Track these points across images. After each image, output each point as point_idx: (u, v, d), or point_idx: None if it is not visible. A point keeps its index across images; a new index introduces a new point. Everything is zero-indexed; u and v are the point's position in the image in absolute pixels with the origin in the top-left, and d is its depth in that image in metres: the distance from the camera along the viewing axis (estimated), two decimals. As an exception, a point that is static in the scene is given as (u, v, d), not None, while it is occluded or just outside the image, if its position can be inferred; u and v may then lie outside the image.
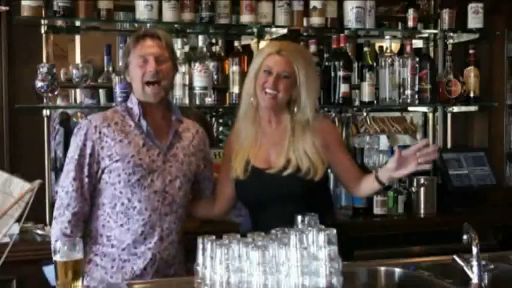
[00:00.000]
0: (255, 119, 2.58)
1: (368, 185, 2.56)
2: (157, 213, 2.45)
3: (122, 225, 2.44)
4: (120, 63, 3.29)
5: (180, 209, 2.52)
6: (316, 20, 3.57)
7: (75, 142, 2.46)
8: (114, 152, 2.42)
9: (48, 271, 2.44)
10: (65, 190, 2.43)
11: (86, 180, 2.43)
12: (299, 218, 1.99)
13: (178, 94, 3.31)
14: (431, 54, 4.01)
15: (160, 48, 2.48)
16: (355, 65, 3.72)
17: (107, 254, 2.45)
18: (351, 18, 3.62)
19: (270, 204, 2.52)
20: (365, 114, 4.12)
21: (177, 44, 3.37)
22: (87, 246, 2.45)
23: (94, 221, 2.48)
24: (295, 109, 2.55)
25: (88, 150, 2.43)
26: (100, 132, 2.44)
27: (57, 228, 2.41)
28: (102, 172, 2.44)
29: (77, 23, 3.39)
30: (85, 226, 2.47)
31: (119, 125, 2.47)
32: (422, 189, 3.68)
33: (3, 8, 3.14)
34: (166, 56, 2.50)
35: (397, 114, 4.36)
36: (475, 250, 2.01)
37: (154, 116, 2.52)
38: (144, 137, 2.47)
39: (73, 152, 2.45)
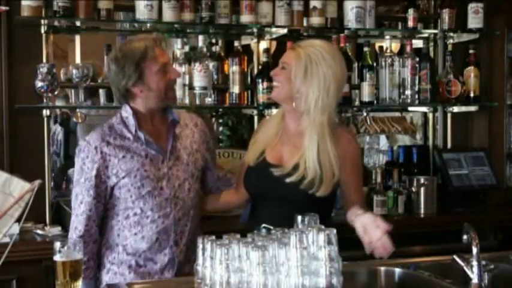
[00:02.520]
0: (282, 115, 2.58)
1: (348, 215, 2.47)
2: (170, 219, 2.46)
3: (135, 233, 2.45)
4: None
5: (191, 211, 2.53)
6: (316, 20, 3.57)
7: (79, 165, 2.45)
8: (119, 169, 2.42)
9: None
10: (75, 213, 2.45)
11: (93, 201, 2.43)
12: (299, 218, 1.99)
13: (179, 94, 3.30)
14: (431, 54, 4.00)
15: (166, 53, 2.53)
16: (355, 65, 3.72)
17: (124, 261, 2.47)
18: (351, 18, 3.62)
19: (268, 202, 2.51)
20: (365, 114, 4.11)
21: (177, 44, 3.37)
22: (104, 256, 2.49)
23: (109, 231, 2.49)
24: (298, 102, 2.45)
25: (93, 172, 2.42)
26: (102, 152, 2.43)
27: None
28: (112, 189, 2.45)
29: (77, 23, 3.39)
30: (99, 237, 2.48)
31: (118, 140, 2.45)
32: (422, 189, 3.69)
33: (3, 8, 3.14)
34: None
35: (397, 114, 4.36)
36: (475, 250, 2.01)
37: (153, 121, 2.52)
38: (145, 148, 2.46)
39: (78, 175, 2.45)
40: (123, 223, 2.46)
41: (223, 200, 2.72)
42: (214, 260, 1.78)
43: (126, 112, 2.49)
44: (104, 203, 2.46)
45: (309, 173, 2.40)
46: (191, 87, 3.35)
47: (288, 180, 2.43)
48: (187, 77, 3.34)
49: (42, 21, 3.23)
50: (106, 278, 2.47)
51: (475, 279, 1.99)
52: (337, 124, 2.63)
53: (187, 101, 3.35)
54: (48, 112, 3.26)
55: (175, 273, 2.46)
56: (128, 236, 2.46)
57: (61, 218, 3.27)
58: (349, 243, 2.29)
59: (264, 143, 2.56)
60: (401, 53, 3.92)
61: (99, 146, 2.42)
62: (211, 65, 3.45)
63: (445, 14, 3.84)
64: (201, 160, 2.58)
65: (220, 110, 3.82)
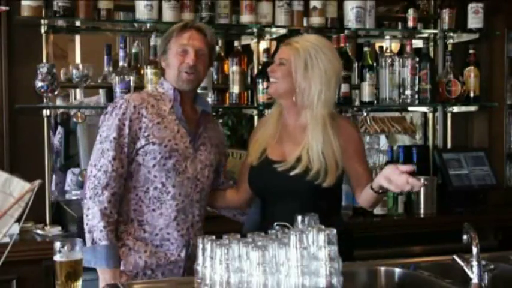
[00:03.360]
0: (281, 113, 2.59)
1: (365, 193, 2.47)
2: (189, 199, 2.48)
3: (154, 210, 2.45)
4: (121, 63, 3.30)
5: (206, 197, 2.57)
6: (316, 20, 3.57)
7: (112, 121, 2.43)
8: (151, 134, 2.43)
9: None
10: (102, 169, 2.39)
11: (125, 160, 2.42)
12: (299, 218, 1.99)
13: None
14: (431, 54, 4.00)
15: (203, 42, 2.52)
16: (355, 65, 3.73)
17: (139, 238, 2.45)
18: (351, 18, 3.62)
19: (276, 198, 2.51)
20: (365, 114, 4.11)
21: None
22: (117, 229, 2.45)
23: (124, 204, 2.46)
24: (299, 97, 2.48)
25: (127, 130, 2.42)
26: (139, 113, 2.44)
27: (97, 210, 2.37)
28: (136, 153, 2.44)
29: (77, 23, 3.39)
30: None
31: (155, 107, 2.48)
32: (422, 189, 3.68)
33: (3, 8, 3.14)
34: (205, 51, 2.53)
35: (397, 114, 4.36)
36: (475, 250, 2.01)
37: (185, 105, 2.54)
38: (178, 123, 2.49)
39: (110, 130, 2.42)
40: (141, 197, 2.45)
41: (224, 198, 2.73)
42: (214, 260, 1.78)
43: (164, 88, 2.54)
44: (127, 167, 2.44)
45: (313, 164, 2.43)
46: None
47: (292, 173, 2.45)
48: (187, 77, 3.33)
49: (42, 21, 3.23)
50: (119, 252, 2.42)
51: (475, 279, 1.99)
52: (337, 114, 2.65)
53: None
54: (48, 112, 3.26)
55: (189, 256, 2.45)
56: (146, 211, 2.45)
57: (61, 218, 3.27)
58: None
59: (265, 141, 2.57)
60: (401, 53, 3.92)
61: (138, 107, 2.45)
62: (211, 65, 3.45)
63: (445, 14, 3.84)
64: (218, 155, 2.63)
65: (220, 110, 3.82)
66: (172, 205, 2.45)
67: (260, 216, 2.60)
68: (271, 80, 2.53)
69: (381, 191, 2.39)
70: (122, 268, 2.41)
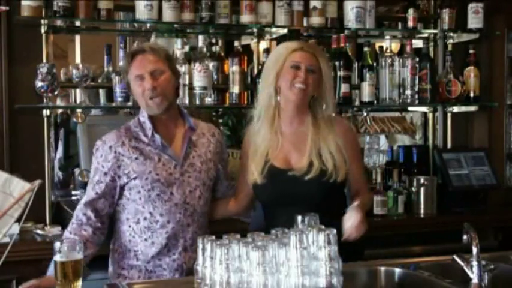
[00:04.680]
0: (274, 120, 2.55)
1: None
2: (179, 225, 2.48)
3: (146, 239, 2.48)
4: (120, 63, 3.30)
5: (201, 218, 2.55)
6: (316, 20, 3.57)
7: (94, 164, 2.53)
8: (131, 170, 2.46)
9: None
10: (81, 211, 2.50)
11: (109, 199, 2.50)
12: (299, 218, 1.99)
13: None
14: (431, 54, 4.00)
15: (154, 62, 2.48)
16: (355, 65, 3.73)
17: (133, 266, 2.50)
18: (351, 18, 3.62)
19: (288, 205, 2.46)
20: (365, 114, 4.12)
21: (177, 44, 3.37)
22: (115, 262, 2.53)
23: (121, 237, 2.53)
24: (323, 106, 2.54)
25: (104, 170, 2.48)
26: (115, 152, 2.47)
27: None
28: (122, 189, 2.48)
29: (77, 23, 3.39)
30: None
31: (133, 142, 2.50)
32: (422, 189, 3.69)
33: (3, 8, 3.14)
34: (161, 67, 2.49)
35: (397, 114, 4.36)
36: (475, 250, 2.01)
37: (167, 127, 2.54)
38: (159, 152, 2.49)
39: (92, 172, 2.53)
40: (134, 228, 2.49)
41: (223, 208, 2.72)
42: (214, 260, 1.78)
43: (144, 117, 2.54)
44: (110, 203, 2.50)
45: (327, 163, 2.47)
46: (191, 87, 3.35)
47: (307, 177, 2.46)
48: (187, 77, 3.33)
49: (42, 21, 3.23)
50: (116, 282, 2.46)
51: (475, 279, 1.99)
52: (334, 115, 2.67)
53: (187, 101, 3.35)
54: (48, 112, 3.26)
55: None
56: (139, 241, 2.49)
57: (61, 218, 3.27)
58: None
59: (264, 154, 2.53)
60: (401, 53, 3.92)
61: (114, 146, 2.48)
62: (211, 65, 3.45)
63: (445, 14, 3.84)
64: (213, 170, 2.60)
65: (220, 110, 3.82)
66: (162, 233, 2.47)
67: (265, 221, 2.59)
68: (300, 86, 2.47)
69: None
70: None
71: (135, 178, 2.45)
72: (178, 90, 2.64)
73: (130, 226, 2.50)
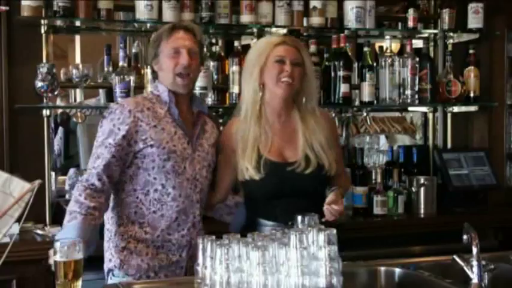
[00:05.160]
0: (260, 116, 2.56)
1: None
2: (189, 200, 2.48)
3: (155, 211, 2.45)
4: (121, 63, 3.29)
5: (205, 197, 2.57)
6: (316, 20, 3.57)
7: (107, 126, 2.43)
8: (149, 137, 2.43)
9: None
10: (94, 170, 2.40)
11: (121, 164, 2.42)
12: (299, 218, 1.99)
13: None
14: (431, 54, 4.01)
15: (193, 42, 2.51)
16: (355, 65, 3.73)
17: (141, 240, 2.45)
18: (351, 18, 3.62)
19: (284, 198, 2.51)
20: (365, 114, 4.12)
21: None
22: (119, 234, 2.47)
23: (125, 208, 2.47)
24: (304, 99, 2.57)
25: (122, 133, 2.41)
26: (135, 116, 2.43)
27: (74, 196, 2.40)
28: (135, 157, 2.44)
29: (77, 23, 3.39)
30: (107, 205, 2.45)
31: (151, 110, 2.48)
32: (422, 189, 3.69)
33: (3, 8, 3.14)
34: (197, 50, 2.52)
35: (397, 114, 4.36)
36: (475, 250, 2.01)
37: (181, 106, 2.54)
38: (175, 125, 2.49)
39: (105, 135, 2.42)
40: (141, 200, 2.45)
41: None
42: (214, 260, 1.78)
43: (158, 90, 2.53)
44: (122, 169, 2.44)
45: (324, 159, 2.52)
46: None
47: (307, 171, 2.50)
48: (187, 77, 3.33)
49: (42, 21, 3.23)
50: (121, 256, 2.44)
51: (475, 279, 1.99)
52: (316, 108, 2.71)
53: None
54: (48, 112, 3.26)
55: (190, 256, 2.46)
56: (146, 213, 2.45)
57: (61, 218, 3.26)
58: (349, 244, 2.30)
59: (255, 150, 2.53)
60: (401, 53, 3.92)
61: (133, 111, 2.44)
62: (211, 65, 3.45)
63: (445, 14, 3.84)
64: (215, 155, 2.61)
65: (220, 110, 3.81)
66: (173, 206, 2.45)
67: (251, 214, 2.60)
68: (287, 79, 2.49)
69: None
70: (122, 272, 2.43)
71: (151, 146, 2.42)
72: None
73: (137, 197, 2.45)
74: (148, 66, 3.15)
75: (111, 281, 2.46)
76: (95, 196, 2.37)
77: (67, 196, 3.69)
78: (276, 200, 2.52)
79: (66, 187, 3.63)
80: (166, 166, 2.43)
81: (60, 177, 3.82)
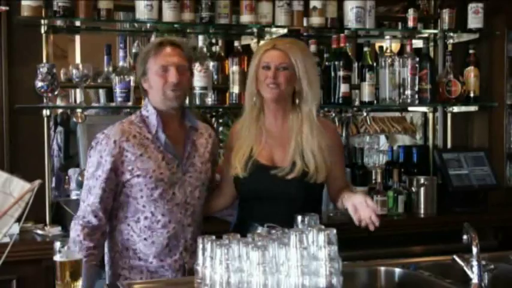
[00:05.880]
0: (259, 118, 2.59)
1: (338, 200, 2.56)
2: (180, 225, 2.47)
3: (145, 238, 2.45)
4: (121, 63, 3.29)
5: (199, 218, 2.55)
6: (316, 20, 3.57)
7: (95, 158, 2.44)
8: (135, 167, 2.41)
9: None
10: (89, 207, 2.43)
11: (111, 194, 2.44)
12: (299, 218, 2.00)
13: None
14: (431, 54, 4.00)
15: (181, 57, 2.47)
16: (355, 65, 3.73)
17: (134, 266, 2.47)
18: (351, 18, 3.62)
19: (266, 201, 2.53)
20: (365, 114, 4.12)
21: (177, 44, 3.37)
22: (114, 262, 2.50)
23: (118, 235, 2.49)
24: (297, 100, 2.56)
25: (109, 166, 2.41)
26: (120, 147, 2.42)
27: (73, 234, 2.41)
28: (123, 186, 2.44)
29: (77, 23, 3.39)
30: (102, 239, 2.47)
31: (137, 138, 2.45)
32: (422, 189, 3.69)
33: (3, 8, 3.14)
34: (186, 65, 2.48)
35: (397, 114, 4.36)
36: (475, 250, 2.01)
37: (171, 125, 2.51)
38: (162, 150, 2.46)
39: (93, 167, 2.44)
40: (133, 227, 2.46)
41: (211, 204, 2.71)
42: (214, 260, 1.78)
43: (148, 112, 2.50)
44: (114, 199, 2.45)
45: (309, 165, 2.49)
46: (191, 87, 3.35)
47: (289, 177, 2.49)
48: (187, 77, 3.33)
49: (42, 21, 3.23)
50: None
51: (475, 279, 1.99)
52: (318, 116, 2.69)
53: (187, 101, 3.34)
54: (48, 112, 3.26)
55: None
56: (137, 240, 2.46)
57: (61, 218, 3.27)
58: (349, 244, 2.30)
59: (249, 148, 2.56)
60: (401, 53, 3.92)
61: (118, 141, 2.42)
62: (211, 65, 3.45)
63: (445, 14, 3.84)
64: (210, 171, 2.60)
65: (220, 110, 3.81)
66: (163, 233, 2.45)
67: (242, 214, 2.62)
68: (271, 85, 2.50)
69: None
70: None
71: (138, 176, 2.41)
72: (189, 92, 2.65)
73: (129, 225, 2.47)
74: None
75: None
76: (92, 234, 2.41)
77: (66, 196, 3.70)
78: (259, 202, 2.54)
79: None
80: (154, 194, 2.42)
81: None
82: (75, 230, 2.41)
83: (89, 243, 2.38)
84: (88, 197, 2.44)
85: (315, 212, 2.29)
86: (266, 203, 2.52)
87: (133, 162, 2.41)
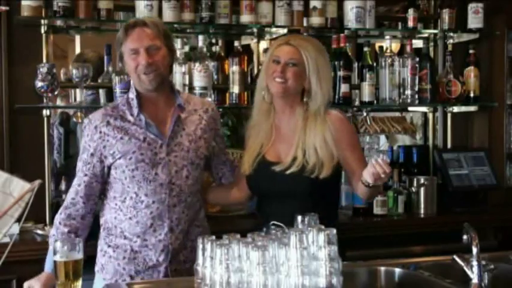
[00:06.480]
0: (269, 113, 2.61)
1: (359, 186, 2.45)
2: (165, 205, 2.46)
3: (130, 218, 2.47)
4: (120, 64, 3.29)
5: (188, 198, 2.51)
6: (316, 20, 3.57)
7: (82, 142, 2.54)
8: (116, 150, 2.44)
9: None
10: (73, 188, 2.53)
11: (99, 176, 2.50)
12: (299, 218, 1.99)
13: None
14: (431, 54, 4.01)
15: (151, 37, 2.43)
16: (355, 65, 3.73)
17: (120, 245, 2.49)
18: (351, 18, 3.62)
19: (274, 199, 2.54)
20: (365, 114, 4.11)
21: (177, 44, 3.36)
22: (101, 237, 2.54)
23: (107, 213, 2.52)
24: (306, 98, 2.55)
25: (91, 151, 2.47)
26: (100, 132, 2.46)
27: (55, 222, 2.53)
28: (109, 168, 2.48)
29: (77, 23, 3.39)
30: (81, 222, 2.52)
31: (118, 121, 2.47)
32: (422, 189, 3.69)
33: (3, 8, 3.14)
34: (158, 44, 2.45)
35: (397, 114, 4.36)
36: (475, 250, 2.01)
37: (156, 105, 2.51)
38: (144, 131, 2.46)
39: (82, 150, 2.53)
40: (120, 206, 2.48)
41: (226, 194, 2.75)
42: (214, 260, 1.78)
43: (132, 93, 2.51)
44: (102, 182, 2.51)
45: (310, 160, 2.47)
46: (191, 87, 3.35)
47: (289, 171, 2.49)
48: (187, 77, 3.34)
49: (42, 21, 3.23)
50: (102, 260, 2.52)
51: (475, 279, 1.99)
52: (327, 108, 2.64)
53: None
54: (48, 112, 3.26)
55: (170, 260, 2.47)
56: (123, 219, 2.48)
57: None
58: (349, 244, 2.30)
59: (259, 146, 2.59)
60: (401, 53, 3.92)
61: (99, 126, 2.46)
62: (211, 65, 3.45)
63: (445, 14, 3.84)
64: (204, 148, 2.56)
65: (220, 110, 3.81)
66: (147, 213, 2.46)
67: (257, 211, 2.68)
68: (278, 80, 2.51)
69: (371, 184, 2.34)
70: (102, 277, 2.49)
71: (119, 158, 2.43)
72: (172, 68, 2.64)
73: (116, 204, 2.49)
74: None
75: (94, 285, 2.53)
76: (68, 219, 2.50)
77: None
78: (267, 199, 2.59)
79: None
80: (136, 176, 2.44)
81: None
82: (57, 214, 2.53)
83: (64, 228, 2.47)
84: (75, 179, 2.53)
85: (326, 209, 2.31)
86: (273, 200, 2.55)
87: (114, 145, 2.44)
